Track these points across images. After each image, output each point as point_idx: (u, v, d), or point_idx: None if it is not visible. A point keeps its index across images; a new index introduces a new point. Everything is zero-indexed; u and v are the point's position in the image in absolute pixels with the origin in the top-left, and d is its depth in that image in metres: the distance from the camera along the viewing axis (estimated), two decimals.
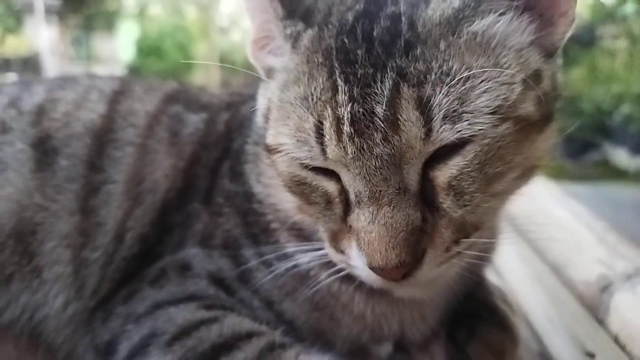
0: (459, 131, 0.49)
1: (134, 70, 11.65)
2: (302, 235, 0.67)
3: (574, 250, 1.18)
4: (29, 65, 10.28)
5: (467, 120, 0.49)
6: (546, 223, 1.33)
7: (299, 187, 0.59)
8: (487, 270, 0.90)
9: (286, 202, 0.66)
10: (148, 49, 11.49)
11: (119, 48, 12.60)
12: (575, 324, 0.95)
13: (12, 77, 9.20)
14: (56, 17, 11.57)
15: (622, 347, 0.87)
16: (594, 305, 1.00)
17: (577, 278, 1.10)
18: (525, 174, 0.56)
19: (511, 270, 1.19)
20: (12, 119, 0.80)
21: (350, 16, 0.55)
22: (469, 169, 0.51)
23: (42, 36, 10.84)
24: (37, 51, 10.64)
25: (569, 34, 0.60)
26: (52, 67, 10.82)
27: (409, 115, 0.49)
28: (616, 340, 0.90)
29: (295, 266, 0.65)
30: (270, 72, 0.62)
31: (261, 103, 0.64)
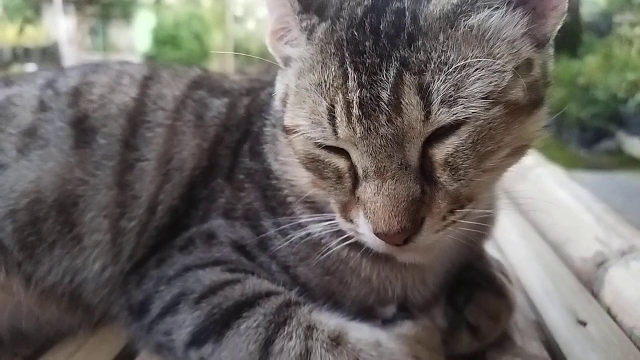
0: (455, 114, 0.56)
1: (150, 59, 11.74)
2: (315, 207, 0.74)
3: (574, 230, 1.24)
4: (48, 54, 10.42)
5: (462, 104, 0.55)
6: (549, 205, 1.40)
7: (313, 163, 0.65)
8: (488, 245, 0.97)
9: (301, 178, 0.72)
10: (164, 38, 11.56)
11: (135, 37, 12.69)
12: (570, 296, 1.01)
13: (31, 66, 9.32)
14: (74, 8, 11.69)
15: (614, 318, 0.94)
16: (590, 280, 1.07)
17: (575, 255, 1.16)
18: (515, 153, 0.63)
19: (513, 248, 1.25)
20: (50, 99, 0.86)
21: (359, 11, 0.61)
22: (463, 148, 0.58)
23: (60, 26, 10.97)
24: (55, 41, 10.78)
25: (559, 26, 0.65)
26: (70, 56, 10.94)
27: (411, 99, 0.56)
28: (609, 311, 0.96)
29: (308, 235, 0.72)
30: (287, 60, 0.69)
31: (279, 88, 0.70)
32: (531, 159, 1.86)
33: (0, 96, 0.88)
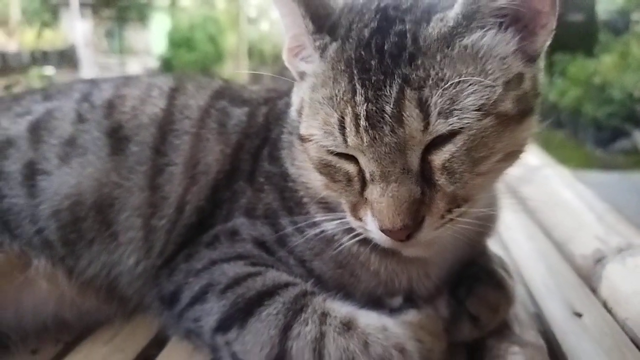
0: (451, 124, 0.63)
1: (166, 62, 11.90)
2: (328, 207, 0.81)
3: (576, 229, 1.30)
4: (65, 57, 10.61)
5: (457, 115, 0.62)
6: (554, 205, 1.46)
7: (325, 168, 0.73)
8: (494, 243, 1.03)
9: (315, 181, 0.79)
10: (179, 41, 11.70)
11: (151, 40, 12.87)
12: (569, 291, 1.07)
13: (49, 70, 9.47)
14: (90, 11, 11.88)
15: (609, 310, 1.00)
16: (589, 276, 1.13)
17: (576, 253, 1.22)
18: (507, 158, 0.69)
19: (518, 246, 1.31)
20: (87, 111, 0.95)
21: (366, 32, 0.68)
22: (459, 154, 0.64)
23: (77, 30, 11.16)
24: (72, 44, 10.97)
25: (548, 42, 0.72)
26: (87, 59, 11.12)
27: (411, 112, 0.63)
28: (605, 305, 1.02)
29: (322, 232, 0.79)
30: (302, 75, 0.76)
31: (295, 100, 0.78)
32: (538, 161, 1.92)
33: (41, 109, 0.96)
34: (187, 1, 12.55)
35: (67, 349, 0.86)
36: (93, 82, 1.07)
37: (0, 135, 0.92)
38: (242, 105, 0.99)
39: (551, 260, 1.23)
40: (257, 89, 1.06)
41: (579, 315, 0.97)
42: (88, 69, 10.68)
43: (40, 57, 9.85)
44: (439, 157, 0.65)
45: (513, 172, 1.88)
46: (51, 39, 10.56)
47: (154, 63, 12.33)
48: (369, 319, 0.74)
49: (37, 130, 0.93)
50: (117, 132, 0.92)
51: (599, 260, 1.13)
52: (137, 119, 0.94)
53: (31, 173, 0.89)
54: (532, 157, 1.99)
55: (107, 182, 0.89)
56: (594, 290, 1.08)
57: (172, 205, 0.89)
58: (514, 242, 1.33)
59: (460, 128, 0.63)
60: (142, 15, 12.81)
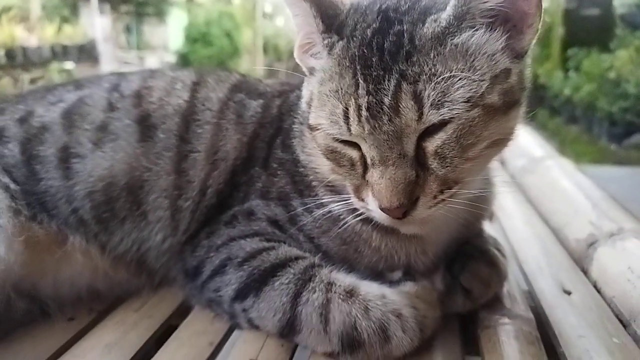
0: (442, 115, 0.70)
1: (183, 57, 12.03)
2: (334, 190, 0.89)
3: (572, 215, 1.37)
4: (85, 52, 10.78)
5: (448, 107, 0.70)
6: (553, 193, 1.53)
7: (332, 154, 0.81)
8: (495, 228, 1.10)
9: (323, 166, 0.88)
10: (195, 36, 11.84)
11: (168, 35, 13.02)
12: (561, 272, 1.14)
13: (69, 64, 9.61)
14: (109, 7, 12.04)
15: (598, 290, 1.07)
16: (581, 258, 1.20)
17: (571, 237, 1.30)
18: (494, 145, 0.76)
19: (516, 230, 1.39)
20: (117, 100, 1.04)
21: (369, 32, 0.76)
22: (449, 141, 0.72)
23: (96, 25, 11.33)
24: (91, 39, 11.14)
25: (534, 41, 0.79)
26: (106, 54, 11.28)
27: (407, 104, 0.71)
28: (595, 285, 1.10)
29: (329, 212, 0.87)
30: (311, 70, 0.84)
31: (305, 93, 0.86)
32: (542, 152, 1.99)
33: (74, 97, 1.06)
34: None
35: (100, 316, 0.96)
36: (121, 74, 1.17)
37: (36, 122, 1.01)
38: (257, 97, 1.08)
39: (547, 244, 1.31)
40: (271, 83, 1.15)
41: (568, 292, 1.05)
42: (107, 64, 10.85)
43: (60, 52, 10.02)
44: (431, 144, 0.73)
45: (517, 163, 1.96)
46: (71, 34, 10.70)
47: (171, 58, 12.48)
48: (369, 288, 0.82)
49: (70, 116, 1.02)
50: (146, 120, 1.01)
51: (592, 243, 1.20)
52: (164, 109, 1.03)
53: (66, 156, 0.98)
54: (537, 149, 2.06)
55: (137, 166, 0.98)
56: (585, 272, 1.15)
57: (196, 188, 0.99)
58: (512, 227, 1.41)
59: (451, 118, 0.71)
60: (159, 11, 12.96)
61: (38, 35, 10.02)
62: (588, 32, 8.29)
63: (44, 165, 0.97)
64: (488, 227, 1.10)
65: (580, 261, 1.19)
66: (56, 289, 0.95)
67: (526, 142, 2.22)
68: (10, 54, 8.90)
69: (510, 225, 1.43)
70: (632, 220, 1.26)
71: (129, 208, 0.98)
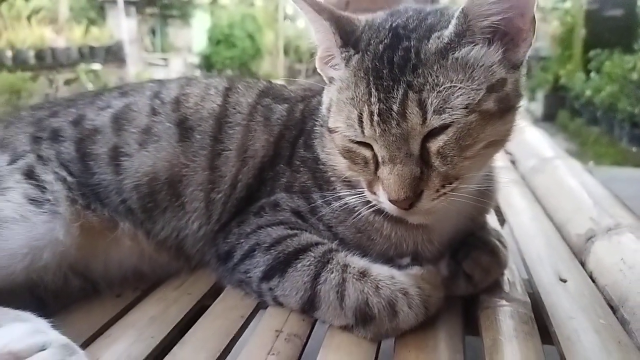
0: (443, 119, 0.81)
1: (206, 58, 12.26)
2: (350, 184, 1.00)
3: (575, 212, 1.46)
4: (111, 54, 11.05)
5: (448, 113, 0.81)
6: (559, 192, 1.62)
7: (348, 153, 0.92)
8: (504, 227, 1.20)
9: (340, 164, 0.99)
10: (218, 38, 12.06)
11: (192, 37, 13.27)
12: (560, 263, 1.24)
13: (97, 65, 9.87)
14: (135, 9, 12.32)
15: (593, 280, 1.17)
16: (580, 251, 1.29)
17: (572, 232, 1.39)
18: (490, 146, 0.87)
19: (521, 226, 1.48)
20: (158, 106, 1.17)
21: (381, 47, 0.87)
22: (450, 142, 0.83)
23: (122, 27, 11.61)
24: (118, 41, 11.42)
25: (528, 53, 0.90)
26: (132, 55, 11.55)
27: (413, 110, 0.82)
28: (590, 275, 1.19)
29: (345, 204, 0.99)
30: (331, 80, 0.95)
31: (325, 100, 0.97)
32: (552, 153, 2.08)
33: (121, 104, 1.20)
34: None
35: (144, 294, 1.09)
36: (160, 82, 1.30)
37: (89, 125, 1.15)
38: (283, 102, 1.20)
39: (550, 238, 1.40)
40: (295, 89, 1.28)
41: (564, 281, 1.14)
42: (133, 65, 11.13)
43: (87, 53, 10.28)
44: (434, 145, 0.84)
45: (528, 163, 2.06)
46: (97, 36, 10.96)
47: (194, 60, 12.73)
48: (380, 270, 0.94)
49: (118, 121, 1.15)
50: (184, 123, 1.14)
51: (590, 238, 1.29)
52: (199, 113, 1.16)
53: (116, 155, 1.11)
54: (547, 150, 2.14)
55: (176, 163, 1.11)
56: (582, 264, 1.24)
57: (227, 182, 1.11)
58: (518, 222, 1.50)
59: (451, 122, 0.82)
60: (183, 13, 13.22)
61: (66, 36, 10.28)
62: (611, 33, 8.24)
63: (96, 162, 1.11)
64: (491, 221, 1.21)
65: (579, 254, 1.28)
66: (106, 269, 1.08)
67: (538, 143, 2.31)
68: (39, 55, 9.17)
69: (517, 221, 1.52)
70: (630, 217, 1.35)
71: (169, 199, 1.11)
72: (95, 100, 1.23)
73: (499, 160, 2.15)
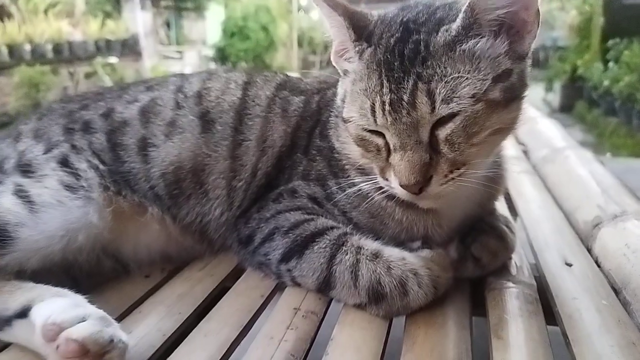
0: (451, 109, 0.86)
1: (220, 51, 12.32)
2: (363, 172, 1.06)
3: (584, 200, 1.50)
4: (127, 47, 11.17)
5: (456, 102, 0.86)
6: (569, 181, 1.66)
7: (361, 142, 0.98)
8: (497, 204, 1.24)
9: (354, 152, 1.05)
10: (233, 30, 12.12)
11: (206, 30, 13.36)
12: (567, 248, 1.28)
13: (113, 59, 10.01)
14: (150, 2, 12.41)
15: (599, 265, 1.21)
16: (587, 238, 1.33)
17: (580, 219, 1.43)
18: (496, 133, 0.91)
19: (531, 214, 1.53)
20: (182, 100, 1.24)
21: (392, 41, 0.92)
22: (457, 130, 0.88)
23: (138, 20, 11.72)
24: (133, 34, 11.53)
25: (533, 45, 0.94)
26: (148, 48, 11.65)
27: (422, 100, 0.87)
28: (596, 261, 1.23)
29: (359, 190, 1.04)
30: (345, 72, 1.01)
31: (339, 91, 1.03)
32: (564, 143, 2.11)
33: (147, 98, 1.26)
34: None
35: (171, 275, 1.17)
36: (183, 77, 1.37)
37: (118, 117, 1.23)
38: (299, 94, 1.26)
39: (559, 225, 1.44)
40: (311, 82, 1.33)
41: (569, 265, 1.19)
42: (149, 59, 11.25)
43: (103, 47, 10.41)
44: (442, 132, 0.89)
45: (540, 153, 2.10)
46: (113, 29, 11.06)
47: (208, 52, 12.81)
48: (392, 252, 0.99)
49: (145, 114, 1.22)
50: (206, 115, 1.21)
51: (597, 224, 1.33)
52: (220, 106, 1.22)
53: (144, 145, 1.18)
54: (558, 140, 2.17)
55: (200, 153, 1.18)
56: (589, 250, 1.29)
57: (248, 171, 1.18)
58: (528, 210, 1.55)
59: (458, 111, 0.87)
60: (198, 6, 13.29)
61: (82, 30, 10.39)
62: (630, 22, 8.12)
63: (126, 152, 1.18)
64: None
65: (586, 240, 1.32)
66: (136, 251, 1.16)
67: (550, 134, 2.34)
68: (57, 48, 9.30)
69: (526, 208, 1.57)
70: (636, 204, 1.39)
71: (193, 187, 1.18)
72: (123, 95, 1.30)
73: (511, 150, 2.20)
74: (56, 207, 1.02)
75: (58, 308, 0.84)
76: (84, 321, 0.81)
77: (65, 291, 0.92)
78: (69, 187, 1.05)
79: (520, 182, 1.82)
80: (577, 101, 9.06)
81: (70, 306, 0.85)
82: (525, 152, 2.29)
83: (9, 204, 1.00)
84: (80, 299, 0.90)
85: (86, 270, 1.08)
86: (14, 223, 0.97)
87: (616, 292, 1.08)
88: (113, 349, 0.79)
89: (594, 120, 8.08)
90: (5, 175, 1.09)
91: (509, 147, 2.25)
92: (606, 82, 7.79)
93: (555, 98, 9.57)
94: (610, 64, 8.04)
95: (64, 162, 1.11)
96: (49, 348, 0.80)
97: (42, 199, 1.02)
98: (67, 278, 1.05)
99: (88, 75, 9.04)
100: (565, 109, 9.00)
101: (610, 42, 8.20)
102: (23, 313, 0.88)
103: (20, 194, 1.02)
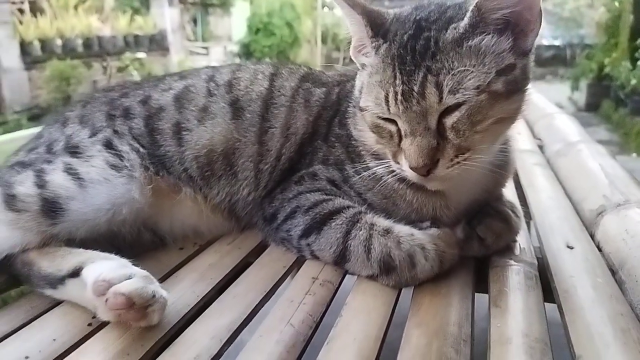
0: (457, 99, 0.95)
1: (245, 47, 12.49)
2: (378, 157, 1.15)
3: (591, 190, 1.57)
4: (155, 42, 11.42)
5: (461, 92, 0.95)
6: (579, 173, 1.73)
7: (376, 129, 1.08)
8: (504, 189, 1.33)
9: (369, 138, 1.14)
10: (258, 26, 12.26)
11: (232, 26, 13.54)
12: (571, 234, 1.36)
13: (141, 54, 10.24)
14: None
15: (600, 250, 1.29)
16: (591, 225, 1.41)
17: (586, 208, 1.50)
18: (499, 122, 1.00)
19: (540, 203, 1.60)
20: (214, 88, 1.35)
21: (405, 37, 1.01)
22: (462, 118, 0.97)
23: (165, 16, 11.96)
24: (161, 30, 11.78)
25: (536, 42, 1.03)
26: (176, 44, 11.88)
27: (431, 90, 0.96)
28: (597, 246, 1.31)
29: (374, 173, 1.14)
30: (363, 66, 1.10)
31: (357, 83, 1.13)
32: (578, 137, 2.17)
33: (181, 86, 1.39)
34: None
35: (202, 248, 1.29)
36: (214, 68, 1.49)
37: (155, 104, 1.34)
38: (321, 86, 1.37)
39: (564, 213, 1.51)
40: (332, 74, 1.44)
41: (570, 247, 1.27)
42: (176, 54, 11.48)
43: (132, 42, 10.67)
44: (449, 120, 0.98)
45: (554, 147, 2.16)
46: (141, 25, 11.29)
47: (234, 48, 13.00)
48: (401, 228, 1.09)
49: (180, 101, 1.34)
50: (236, 103, 1.32)
51: (600, 212, 1.41)
52: (249, 95, 1.34)
53: (178, 130, 1.30)
54: (574, 135, 2.23)
55: (231, 137, 1.29)
56: (592, 236, 1.36)
57: (273, 155, 1.29)
58: (537, 199, 1.62)
59: (464, 101, 0.95)
60: (224, 2, 13.48)
61: (111, 25, 10.65)
62: None
63: (162, 136, 1.30)
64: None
65: (590, 227, 1.40)
66: (171, 226, 1.28)
67: (567, 129, 2.40)
68: (87, 43, 9.59)
69: (536, 198, 1.64)
70: None
71: (224, 169, 1.29)
72: (159, 84, 1.42)
73: (527, 143, 2.27)
74: (103, 183, 1.14)
75: (107, 268, 0.96)
76: (130, 279, 0.93)
77: (112, 255, 1.05)
78: (114, 167, 1.18)
79: (533, 173, 1.89)
80: (603, 100, 8.93)
81: (118, 266, 0.97)
82: (541, 147, 2.35)
83: (60, 179, 1.12)
84: (125, 261, 1.02)
85: (128, 242, 1.21)
86: (65, 196, 1.10)
87: (613, 272, 1.15)
88: (155, 302, 0.91)
89: (620, 120, 7.97)
90: (55, 155, 1.21)
91: (524, 141, 2.33)
92: (633, 81, 7.66)
93: (581, 97, 9.44)
94: (639, 63, 7.91)
95: (109, 145, 1.24)
96: (98, 301, 0.92)
97: (90, 176, 1.14)
98: (112, 247, 1.16)
99: (120, 69, 9.32)
100: (591, 108, 8.89)
101: (639, 41, 8.06)
102: (75, 273, 1.01)
103: (70, 171, 1.15)
